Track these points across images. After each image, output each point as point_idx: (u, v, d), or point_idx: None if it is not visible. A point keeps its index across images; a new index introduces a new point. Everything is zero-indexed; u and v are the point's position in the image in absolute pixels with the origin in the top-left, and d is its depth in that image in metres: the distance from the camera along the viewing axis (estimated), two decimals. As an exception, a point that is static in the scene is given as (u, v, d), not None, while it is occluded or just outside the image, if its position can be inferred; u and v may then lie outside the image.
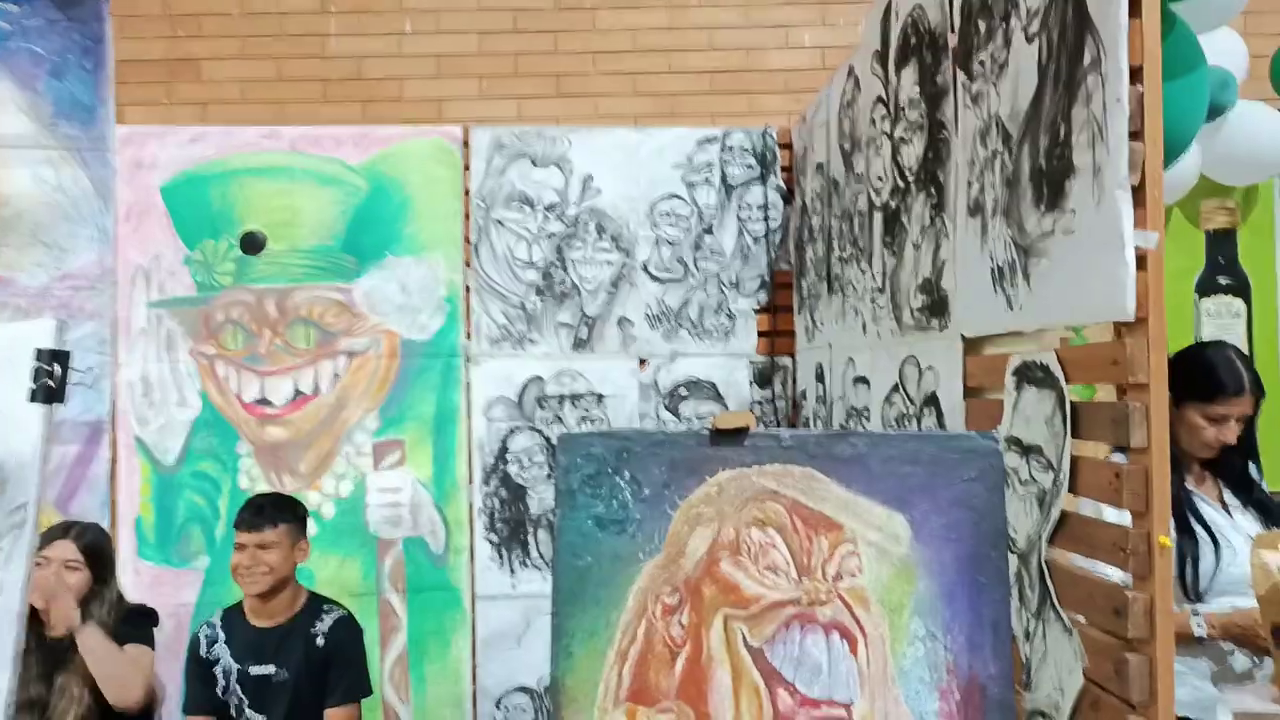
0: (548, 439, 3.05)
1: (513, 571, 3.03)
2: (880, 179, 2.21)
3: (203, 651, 2.42)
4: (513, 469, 3.05)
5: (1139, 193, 1.26)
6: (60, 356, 1.06)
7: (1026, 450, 1.48)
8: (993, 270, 1.61)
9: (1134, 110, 1.26)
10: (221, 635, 2.43)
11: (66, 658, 2.26)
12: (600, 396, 3.07)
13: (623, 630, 1.24)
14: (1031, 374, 1.48)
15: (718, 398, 3.10)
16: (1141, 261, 1.25)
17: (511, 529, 3.04)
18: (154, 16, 3.60)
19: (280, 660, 2.41)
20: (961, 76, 1.77)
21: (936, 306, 1.86)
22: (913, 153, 2.00)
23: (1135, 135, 1.26)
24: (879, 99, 2.22)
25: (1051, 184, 1.43)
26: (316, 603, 2.51)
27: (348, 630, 2.50)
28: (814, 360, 2.85)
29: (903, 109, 2.05)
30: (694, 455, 1.30)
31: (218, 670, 2.39)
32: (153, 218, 2.99)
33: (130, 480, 2.93)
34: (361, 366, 3.03)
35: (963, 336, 1.75)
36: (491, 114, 3.53)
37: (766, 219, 3.13)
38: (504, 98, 3.62)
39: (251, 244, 3.01)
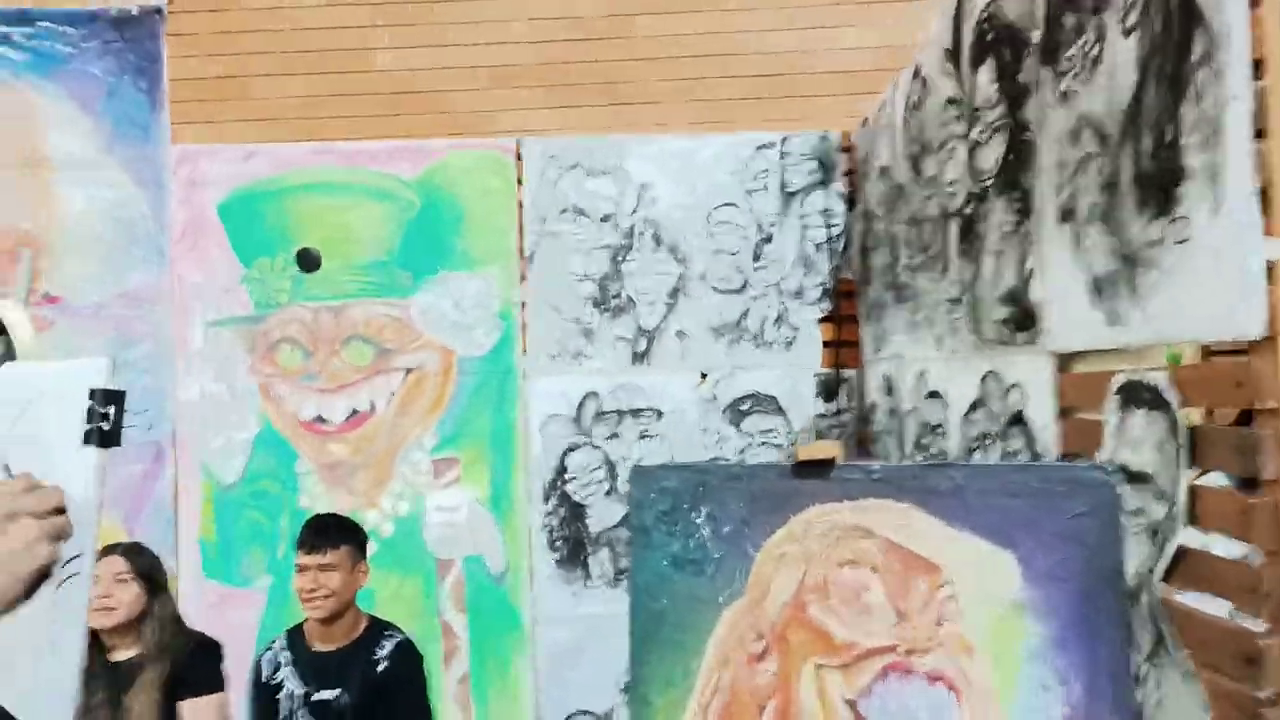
0: (607, 455, 2.98)
1: (574, 592, 2.97)
2: (954, 183, 2.10)
3: (266, 677, 2.39)
4: (571, 486, 2.99)
5: (1266, 197, 1.15)
6: (115, 397, 1.00)
7: (1133, 478, 1.36)
8: (1090, 282, 1.50)
9: (1257, 107, 1.15)
10: (284, 659, 2.40)
11: (128, 680, 2.25)
12: (659, 411, 2.99)
13: (704, 680, 1.16)
14: (1139, 395, 1.37)
15: (780, 412, 3.00)
16: (1271, 273, 1.14)
17: (572, 548, 2.98)
18: (205, 35, 3.61)
19: (342, 685, 2.37)
20: (1047, 74, 1.66)
21: (1023, 319, 1.75)
22: (991, 155, 1.89)
23: (1259, 134, 1.15)
24: (951, 100, 2.11)
25: (1159, 189, 1.32)
26: (378, 627, 2.47)
27: (408, 656, 2.45)
28: (881, 372, 2.74)
29: (979, 110, 1.94)
30: (776, 489, 1.22)
31: (281, 696, 2.36)
32: (209, 236, 2.98)
33: (192, 499, 2.92)
34: (418, 383, 2.99)
35: (1055, 353, 1.64)
36: (543, 125, 3.48)
37: (828, 226, 3.03)
38: (555, 108, 3.56)
39: (307, 261, 2.98)
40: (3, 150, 3.11)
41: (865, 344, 2.93)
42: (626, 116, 3.50)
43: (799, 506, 1.21)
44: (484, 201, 3.01)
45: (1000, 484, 1.20)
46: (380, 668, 2.41)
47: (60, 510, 0.92)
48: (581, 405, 2.99)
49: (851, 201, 3.02)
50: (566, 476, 2.99)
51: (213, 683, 2.41)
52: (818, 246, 3.02)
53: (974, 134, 1.98)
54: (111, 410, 0.99)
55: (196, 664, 2.39)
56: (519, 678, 2.95)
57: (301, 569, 2.37)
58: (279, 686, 2.37)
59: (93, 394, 0.99)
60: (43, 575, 0.90)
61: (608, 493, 2.99)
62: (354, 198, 3.00)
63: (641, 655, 1.17)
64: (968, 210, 2.02)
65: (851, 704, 1.14)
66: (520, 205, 3.01)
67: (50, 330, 3.08)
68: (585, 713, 2.95)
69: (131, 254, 3.09)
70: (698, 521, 1.20)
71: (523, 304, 3.00)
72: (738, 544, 1.20)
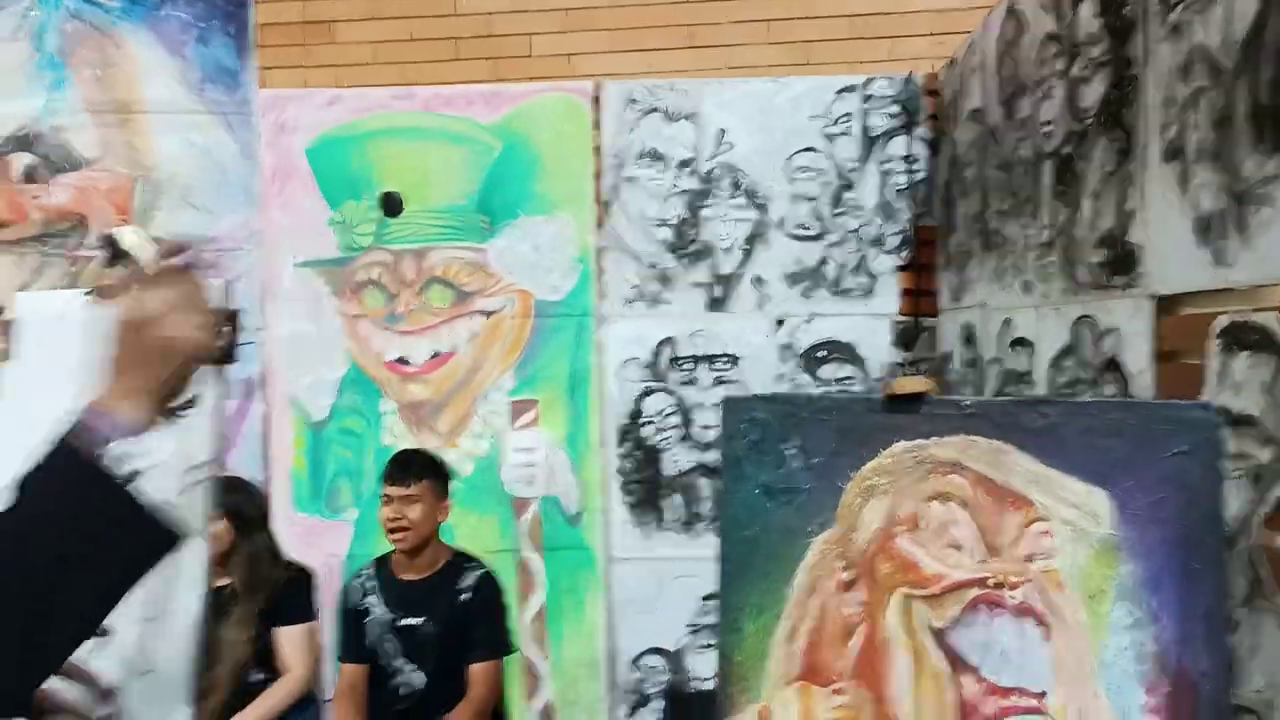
0: (681, 400, 3.00)
1: (647, 534, 3.01)
2: (1051, 124, 2.03)
3: (353, 604, 2.49)
4: (646, 431, 3.02)
5: (1394, 129, 1.10)
6: (230, 315, 1.04)
7: (1236, 421, 1.33)
8: (1195, 222, 1.45)
9: (1390, 33, 1.10)
10: (371, 587, 2.49)
11: (222, 611, 2.36)
12: (735, 358, 3.00)
13: (793, 607, 1.17)
14: (1245, 336, 1.33)
15: (856, 360, 2.98)
16: (1397, 209, 1.09)
17: (646, 491, 3.02)
18: (291, -20, 3.66)
19: (427, 613, 2.46)
20: (1156, 6, 1.60)
21: (1121, 263, 1.70)
22: (1093, 93, 1.83)
23: (1392, 62, 1.09)
24: (1050, 36, 2.04)
25: (1277, 123, 1.27)
26: (460, 559, 2.55)
27: (491, 586, 2.53)
28: (961, 321, 2.70)
29: (1081, 46, 1.88)
30: (866, 423, 1.22)
31: (369, 621, 2.46)
32: (297, 180, 3.05)
33: (283, 435, 3.03)
34: (497, 326, 3.04)
35: (1155, 295, 1.59)
36: (621, 68, 3.46)
37: (910, 172, 2.97)
38: (634, 50, 3.53)
39: (389, 205, 3.04)
40: (99, 97, 3.22)
41: (944, 293, 2.88)
42: (706, 59, 3.45)
43: (889, 440, 1.21)
44: (562, 146, 3.02)
45: (1097, 422, 1.18)
46: (463, 597, 2.49)
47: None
48: (657, 350, 3.01)
49: (936, 146, 2.95)
50: (641, 421, 3.02)
51: (306, 612, 2.52)
52: (899, 193, 2.97)
53: (1075, 71, 1.91)
54: (228, 328, 1.03)
55: (291, 594, 2.50)
56: (593, 615, 3.02)
57: (386, 500, 2.45)
58: (366, 613, 2.47)
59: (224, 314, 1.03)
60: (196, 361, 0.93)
61: (682, 438, 3.01)
62: (435, 142, 3.03)
63: (732, 583, 1.20)
64: (1065, 151, 1.97)
65: (939, 633, 1.15)
66: (597, 150, 3.01)
67: (147, 271, 3.20)
68: (656, 650, 3.01)
69: (223, 197, 3.18)
70: (788, 453, 1.21)
71: (600, 249, 3.01)
72: (827, 475, 1.20)
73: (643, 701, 3.01)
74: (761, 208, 2.99)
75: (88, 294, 1.21)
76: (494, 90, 3.07)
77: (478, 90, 3.07)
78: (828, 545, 1.19)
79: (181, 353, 0.90)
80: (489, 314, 3.04)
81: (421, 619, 2.46)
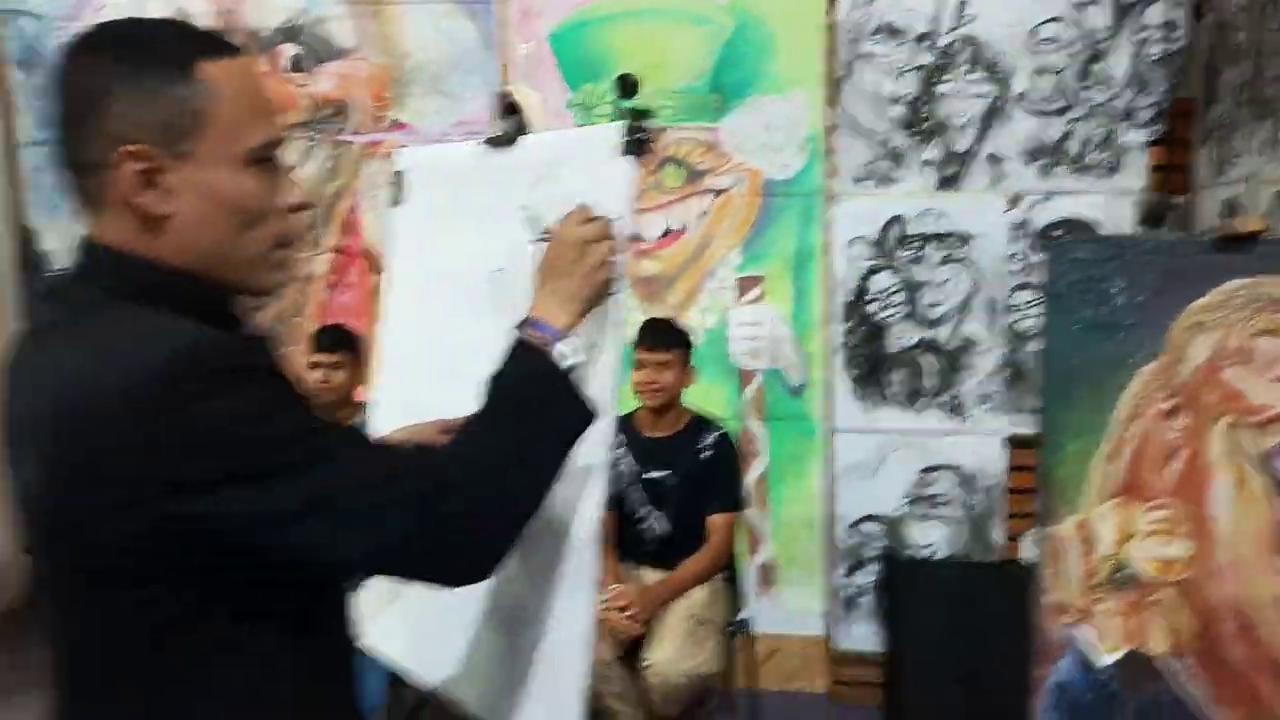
0: (908, 279, 3.05)
1: (869, 407, 3.11)
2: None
3: (607, 454, 2.72)
4: (872, 307, 3.09)
5: None
6: (644, 113, 1.21)
7: None
8: None
9: None
10: (620, 441, 2.71)
11: None
12: (966, 236, 3.00)
13: (1115, 430, 1.26)
14: None
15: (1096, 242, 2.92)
16: None
17: (870, 365, 3.11)
18: None
19: (670, 467, 2.67)
20: None
21: None
22: None
23: None
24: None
25: None
26: (700, 420, 2.74)
27: (728, 446, 2.71)
28: (1223, 197, 2.60)
29: None
30: (1193, 263, 1.27)
31: (616, 472, 2.69)
32: (541, 64, 3.21)
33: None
34: (726, 204, 3.15)
35: None
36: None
37: (1168, 40, 2.83)
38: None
39: (625, 86, 3.15)
40: (356, -12, 3.46)
41: (1201, 168, 2.77)
42: None
43: (1218, 279, 1.25)
44: (794, 22, 3.04)
45: None
46: (704, 455, 2.68)
47: (611, 236, 1.14)
48: (886, 228, 3.05)
49: (1199, 12, 2.79)
50: (867, 298, 3.09)
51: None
52: (1153, 63, 2.84)
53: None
54: (644, 123, 1.20)
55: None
56: (813, 482, 3.18)
57: (640, 364, 2.65)
58: (616, 463, 2.70)
59: (627, 112, 1.20)
60: (608, 288, 1.14)
61: (907, 315, 3.06)
62: (671, 23, 3.11)
63: (1053, 406, 1.29)
64: (1374, 4, 1.86)
65: (1263, 457, 1.21)
66: (831, 26, 3.01)
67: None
68: (873, 517, 3.15)
69: (467, 84, 3.39)
70: (1111, 291, 1.28)
71: (831, 127, 3.05)
72: (1152, 313, 1.26)
73: (859, 564, 3.17)
74: (1001, 82, 2.93)
75: (482, 142, 1.39)
76: (729, -32, 3.10)
77: (710, -30, 3.11)
78: (1151, 376, 1.26)
79: (606, 277, 1.13)
80: (719, 192, 3.15)
81: (666, 472, 2.68)
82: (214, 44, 0.91)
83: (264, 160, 0.92)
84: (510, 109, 1.35)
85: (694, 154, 3.14)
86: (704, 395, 3.14)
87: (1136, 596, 1.24)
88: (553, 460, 1.02)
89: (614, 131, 1.23)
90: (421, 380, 1.39)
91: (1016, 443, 3.00)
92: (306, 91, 3.52)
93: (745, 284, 3.17)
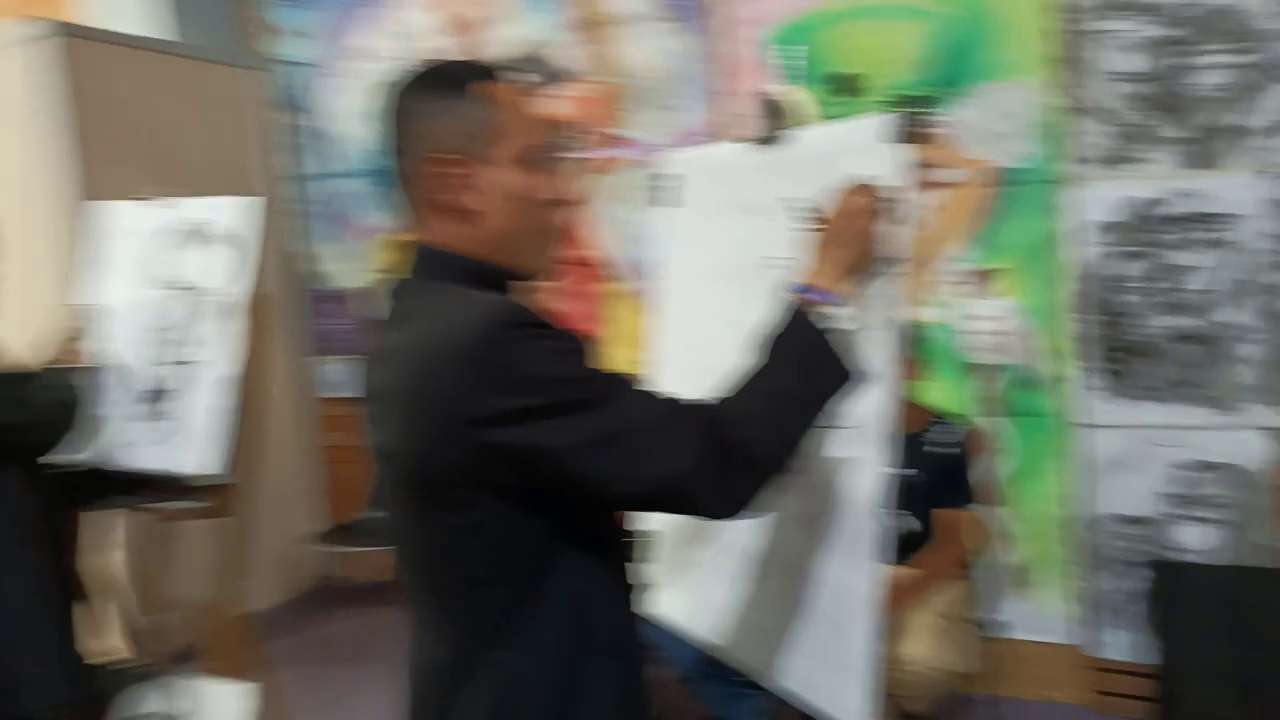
0: (1163, 263, 2.87)
1: (1119, 401, 2.96)
2: None
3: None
4: (1119, 296, 2.93)
5: None
6: (924, 100, 1.27)
7: None
8: None
9: None
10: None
11: None
12: (1221, 217, 2.80)
13: None
14: None
15: (1380, 211, 2.65)
16: None
17: (1120, 357, 2.95)
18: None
19: (913, 465, 2.65)
20: None
21: None
22: None
23: None
24: None
25: None
26: (938, 417, 2.70)
27: (970, 443, 2.66)
28: None
29: None
30: None
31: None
32: (757, 71, 3.28)
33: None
34: (957, 197, 3.09)
35: None
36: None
37: None
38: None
39: (842, 86, 3.17)
40: (582, 16, 3.66)
41: None
42: None
43: None
44: (1020, 7, 2.95)
45: None
46: (943, 451, 2.64)
47: (881, 207, 1.22)
48: (1135, 211, 2.89)
49: None
50: (1115, 286, 2.94)
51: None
52: None
53: None
54: (919, 111, 1.26)
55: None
56: (1060, 480, 3.05)
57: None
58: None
59: (905, 101, 1.27)
60: (876, 257, 1.22)
61: (1159, 302, 2.89)
62: (890, 19, 3.10)
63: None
64: None
65: None
66: (1061, 6, 2.90)
67: (621, 168, 3.64)
68: (1128, 518, 2.98)
69: (685, 96, 3.51)
70: None
71: (1066, 109, 2.93)
72: None
73: (1114, 566, 3.00)
74: (1252, 50, 2.72)
75: (751, 142, 1.47)
76: (950, -42, 3.05)
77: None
78: None
79: (876, 247, 1.21)
80: (949, 185, 3.10)
81: (907, 470, 2.65)
82: (498, 71, 1.13)
83: (541, 159, 1.12)
84: (775, 110, 1.41)
85: (920, 148, 3.10)
86: (940, 392, 3.09)
87: None
88: (814, 411, 1.11)
89: (887, 120, 1.27)
90: (698, 367, 1.48)
91: (1293, 435, 2.76)
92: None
93: (978, 277, 3.10)
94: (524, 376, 0.98)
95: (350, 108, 4.12)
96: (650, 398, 1.05)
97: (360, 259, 4.21)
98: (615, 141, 3.63)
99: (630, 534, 1.15)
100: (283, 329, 4.23)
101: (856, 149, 1.29)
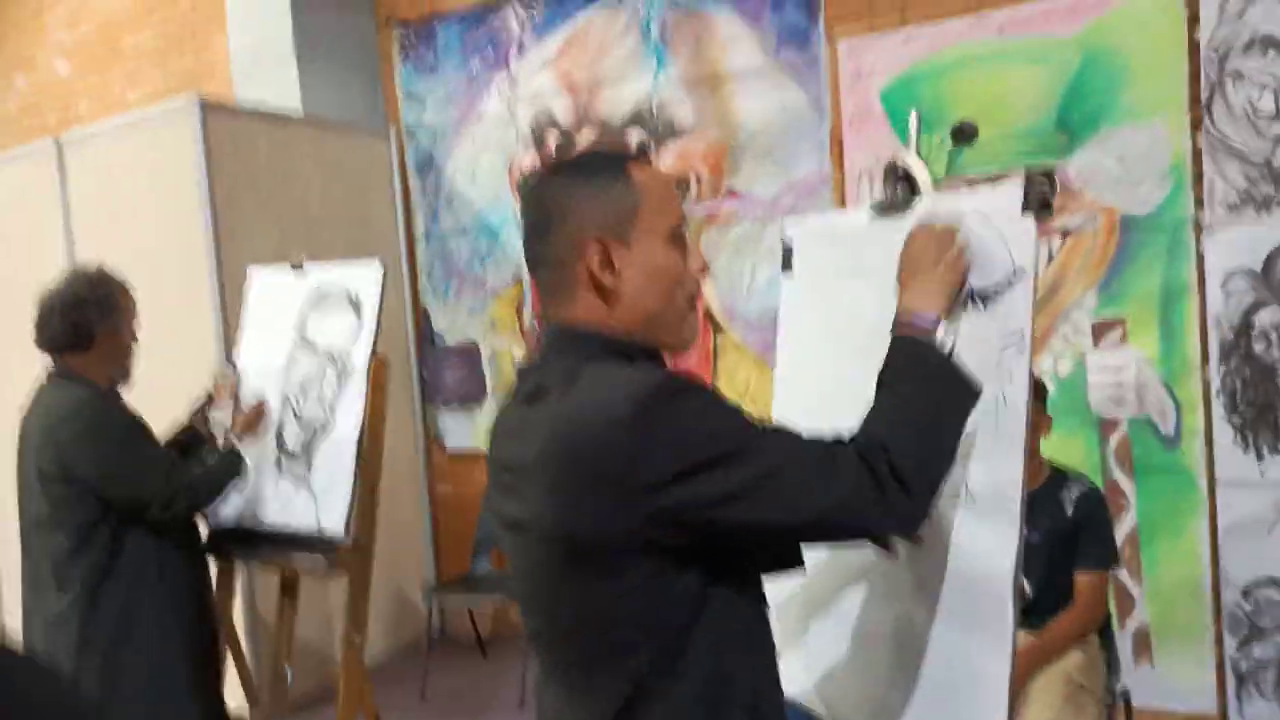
0: (1305, 312, 2.73)
1: (1260, 457, 2.80)
2: None
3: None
4: (1258, 346, 2.79)
5: None
6: (1049, 176, 1.28)
7: None
8: None
9: None
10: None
11: None
12: (1375, 261, 2.64)
13: None
14: None
15: None
16: None
17: (1258, 411, 2.80)
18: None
19: (1033, 524, 2.55)
20: None
21: None
22: None
23: None
24: None
25: None
26: (1062, 474, 2.60)
27: (1095, 500, 2.55)
28: None
29: None
30: None
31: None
32: (873, 122, 3.28)
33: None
34: (1077, 244, 3.00)
35: None
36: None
37: None
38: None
39: (961, 134, 3.14)
40: (693, 72, 3.74)
41: None
42: None
43: None
44: (1151, 48, 2.87)
45: None
46: (1068, 510, 2.54)
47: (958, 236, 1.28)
48: (1271, 258, 2.75)
49: None
50: (1251, 336, 2.79)
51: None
52: None
53: None
54: (1048, 186, 1.26)
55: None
56: (1193, 540, 2.89)
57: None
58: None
59: (1032, 175, 1.26)
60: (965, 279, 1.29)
61: (1304, 354, 2.74)
62: (1009, 64, 3.06)
63: None
64: None
65: None
66: (1195, 47, 2.81)
67: (735, 222, 3.67)
68: (1275, 581, 2.80)
69: (798, 149, 3.53)
70: None
71: (1198, 153, 2.82)
72: None
73: (1257, 634, 2.82)
74: None
75: (872, 208, 1.48)
76: (1072, 4, 3.00)
77: (1055, 5, 3.02)
78: None
79: (963, 266, 1.29)
80: (1068, 233, 3.01)
81: (1029, 530, 2.56)
82: (634, 154, 1.19)
83: (677, 236, 1.15)
84: (902, 177, 1.42)
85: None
86: (1062, 447, 2.98)
87: None
88: (952, 429, 1.15)
89: (1015, 190, 1.26)
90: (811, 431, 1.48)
91: None
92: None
93: (1103, 327, 2.99)
94: (687, 437, 1.02)
95: (473, 168, 4.29)
96: (800, 439, 1.09)
97: (476, 314, 4.36)
98: (727, 194, 3.67)
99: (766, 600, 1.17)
100: (402, 383, 4.40)
101: (987, 217, 1.28)
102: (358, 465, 2.54)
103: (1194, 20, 2.80)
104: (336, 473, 2.59)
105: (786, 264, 1.59)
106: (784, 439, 1.07)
